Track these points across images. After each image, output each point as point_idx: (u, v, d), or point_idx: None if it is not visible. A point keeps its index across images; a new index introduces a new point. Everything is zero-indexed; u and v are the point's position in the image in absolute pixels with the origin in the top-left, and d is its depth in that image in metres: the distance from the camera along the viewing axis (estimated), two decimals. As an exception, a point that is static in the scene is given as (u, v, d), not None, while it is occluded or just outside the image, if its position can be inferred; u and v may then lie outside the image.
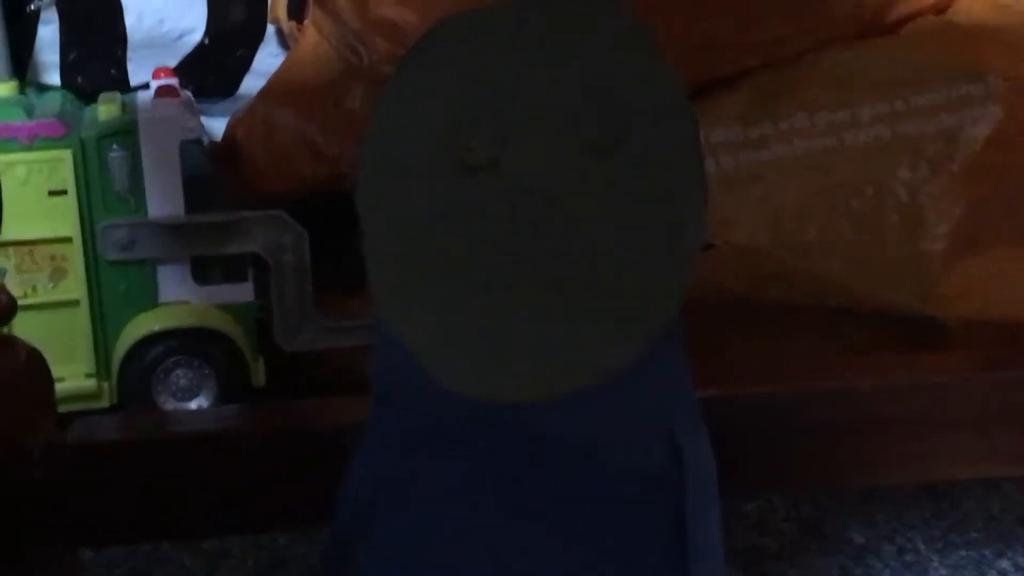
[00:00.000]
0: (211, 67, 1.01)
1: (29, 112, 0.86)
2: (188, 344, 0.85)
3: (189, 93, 0.93)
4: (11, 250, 0.84)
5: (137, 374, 0.86)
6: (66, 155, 0.81)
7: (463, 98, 0.45)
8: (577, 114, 0.44)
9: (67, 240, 0.82)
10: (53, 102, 0.91)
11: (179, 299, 0.85)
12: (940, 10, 0.92)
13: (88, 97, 0.94)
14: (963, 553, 0.66)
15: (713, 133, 0.84)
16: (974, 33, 0.86)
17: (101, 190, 0.85)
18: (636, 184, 0.44)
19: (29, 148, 0.80)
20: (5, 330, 0.56)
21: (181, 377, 0.83)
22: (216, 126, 0.99)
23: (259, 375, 0.87)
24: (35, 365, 0.53)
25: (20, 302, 0.85)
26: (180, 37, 1.01)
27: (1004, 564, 0.64)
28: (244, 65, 0.99)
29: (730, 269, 0.84)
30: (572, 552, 0.47)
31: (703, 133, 0.88)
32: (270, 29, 1.03)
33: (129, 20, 0.97)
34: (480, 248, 0.45)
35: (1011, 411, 0.56)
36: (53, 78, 1.01)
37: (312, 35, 0.97)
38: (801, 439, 0.55)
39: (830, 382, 0.56)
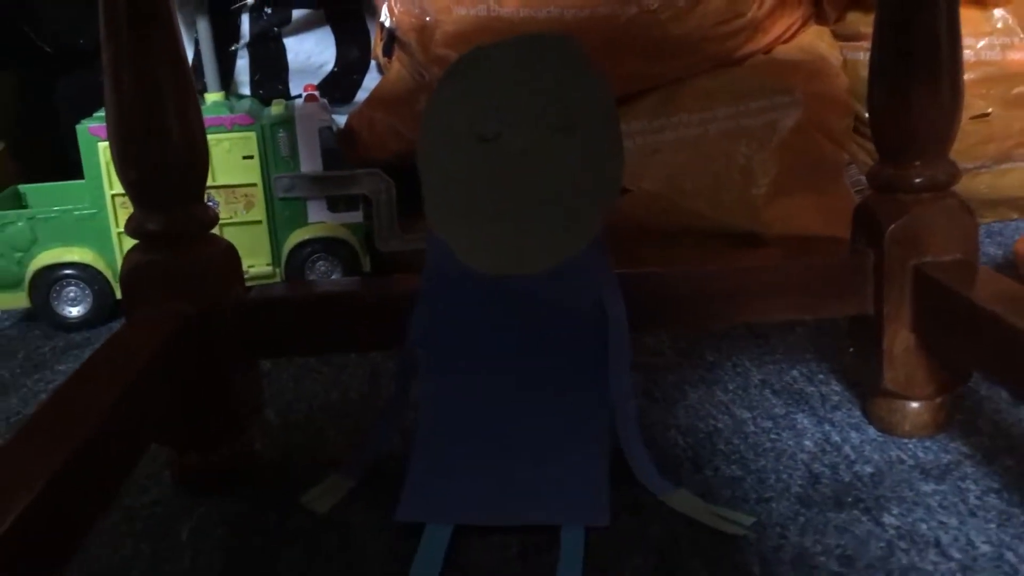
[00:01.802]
0: (338, 85, 1.23)
1: (230, 110, 1.04)
2: (325, 246, 1.05)
3: (325, 100, 1.10)
4: (221, 191, 1.03)
5: (296, 263, 1.05)
6: (253, 135, 1.01)
7: (479, 99, 0.61)
8: (549, 108, 0.61)
9: (254, 185, 1.03)
10: (245, 104, 1.08)
11: (320, 220, 1.05)
12: (768, 51, 1.12)
13: (266, 102, 1.10)
14: (770, 366, 0.79)
15: (631, 124, 1.07)
16: (787, 65, 1.10)
17: (274, 155, 1.03)
18: (583, 151, 0.61)
19: (230, 131, 1.01)
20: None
21: (322, 265, 1.06)
22: (341, 120, 1.17)
23: (366, 265, 1.06)
24: (231, 253, 0.64)
25: (225, 221, 1.01)
26: (320, 67, 1.23)
27: (794, 372, 0.78)
28: (357, 84, 1.23)
29: (639, 205, 1.05)
30: (545, 360, 0.62)
31: (624, 124, 1.23)
32: (372, 63, 1.24)
33: (290, 56, 1.21)
34: (489, 184, 0.61)
35: (799, 279, 0.67)
36: (245, 91, 1.23)
37: (396, 65, 1.14)
38: (677, 299, 0.67)
39: (694, 266, 0.69)
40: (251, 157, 1.04)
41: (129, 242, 0.63)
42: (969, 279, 0.61)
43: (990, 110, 1.10)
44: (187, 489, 0.65)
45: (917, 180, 0.62)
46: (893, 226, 0.63)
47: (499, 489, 0.60)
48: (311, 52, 1.22)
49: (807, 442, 0.68)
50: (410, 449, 0.62)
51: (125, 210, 1.02)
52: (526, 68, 0.61)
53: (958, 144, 1.06)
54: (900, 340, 0.65)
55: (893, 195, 0.64)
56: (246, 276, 0.77)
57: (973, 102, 1.09)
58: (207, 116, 1.03)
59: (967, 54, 1.09)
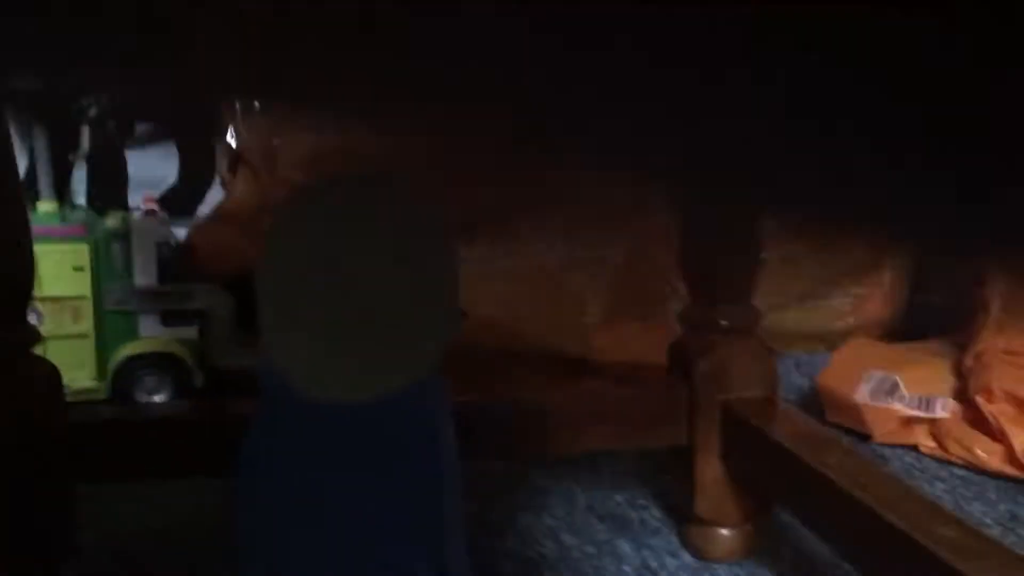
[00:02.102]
0: (180, 198, 1.23)
1: (63, 220, 1.03)
2: (156, 360, 1.04)
3: (164, 214, 1.10)
4: (48, 302, 1.00)
5: (124, 378, 1.03)
6: (86, 246, 1.00)
7: (319, 229, 0.62)
8: (385, 242, 0.61)
9: (84, 297, 1.01)
10: (79, 215, 1.07)
11: (151, 335, 1.04)
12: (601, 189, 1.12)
13: (101, 213, 1.09)
14: (597, 491, 0.82)
15: (468, 253, 1.11)
16: (619, 203, 1.18)
17: (107, 267, 1.01)
18: (419, 282, 0.62)
19: (62, 241, 1.00)
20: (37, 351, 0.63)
21: (151, 381, 1.04)
22: (181, 233, 1.15)
23: (200, 380, 1.05)
24: (52, 376, 0.64)
25: (51, 333, 0.93)
26: (161, 180, 1.24)
27: (618, 497, 0.81)
28: (200, 198, 1.23)
29: (476, 329, 0.97)
30: (377, 487, 0.61)
31: (462, 253, 1.27)
32: (216, 178, 1.24)
33: (131, 168, 1.21)
34: (327, 313, 0.62)
35: (620, 409, 0.70)
36: (81, 201, 1.20)
37: (241, 184, 1.15)
38: (508, 429, 0.69)
39: (528, 394, 0.73)
40: (82, 269, 1.02)
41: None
42: (771, 415, 0.66)
43: (797, 252, 1.20)
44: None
45: (722, 322, 0.68)
46: (702, 363, 0.68)
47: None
48: (154, 165, 1.24)
49: (626, 568, 0.71)
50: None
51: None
52: (366, 203, 0.64)
53: (767, 281, 1.15)
54: (710, 471, 0.69)
55: (702, 334, 0.69)
56: (69, 391, 0.74)
57: (783, 245, 1.18)
58: (38, 226, 0.98)
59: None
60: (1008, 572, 0.43)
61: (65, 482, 0.64)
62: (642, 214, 1.18)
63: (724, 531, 0.70)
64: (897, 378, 0.93)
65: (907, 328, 1.27)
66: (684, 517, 0.74)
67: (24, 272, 0.60)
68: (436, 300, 0.64)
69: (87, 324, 1.03)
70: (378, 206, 0.64)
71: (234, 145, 1.12)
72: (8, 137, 0.59)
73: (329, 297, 0.63)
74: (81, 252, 1.01)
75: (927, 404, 0.92)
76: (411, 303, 0.64)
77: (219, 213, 1.18)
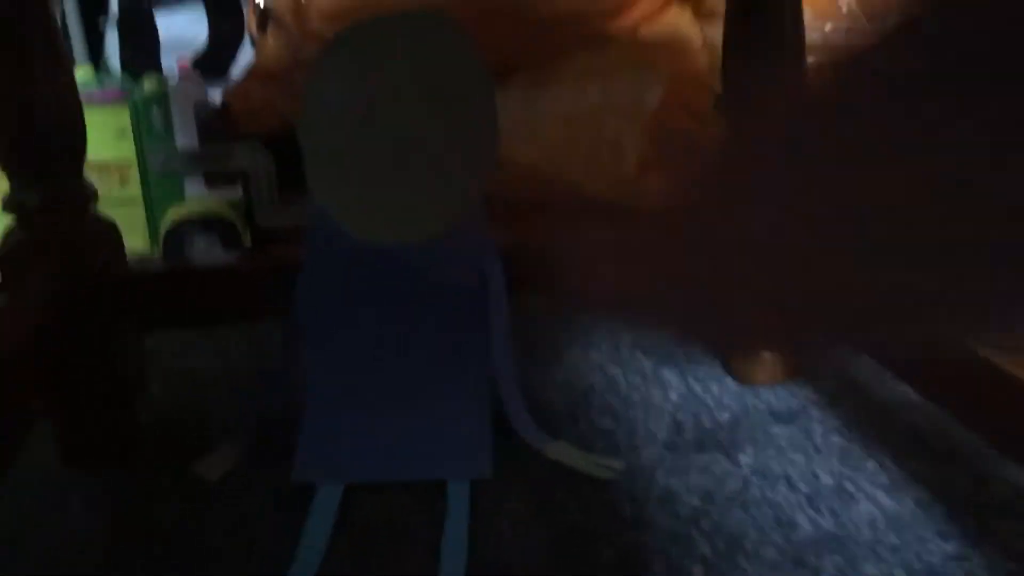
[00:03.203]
0: (211, 60, 1.23)
1: (101, 84, 1.04)
2: (203, 222, 1.04)
3: (199, 75, 1.11)
4: (94, 168, 0.90)
5: (174, 240, 1.04)
6: (126, 110, 1.00)
7: (357, 74, 0.62)
8: (425, 83, 0.62)
9: (130, 161, 1.02)
10: (117, 79, 1.09)
11: (198, 196, 1.05)
12: (633, 31, 1.16)
13: (136, 77, 1.09)
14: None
15: (505, 100, 1.00)
16: (652, 44, 1.15)
17: (148, 131, 1.02)
18: (459, 124, 0.64)
19: (103, 106, 0.99)
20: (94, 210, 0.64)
21: (200, 242, 1.04)
22: (215, 94, 1.17)
23: (247, 240, 1.05)
24: (112, 229, 0.66)
25: (102, 199, 0.83)
26: (192, 41, 1.24)
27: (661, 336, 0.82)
28: (231, 59, 1.25)
29: (516, 177, 1.07)
30: (427, 324, 0.65)
31: (499, 99, 1.28)
32: (246, 37, 1.24)
33: (161, 30, 1.20)
34: (370, 157, 0.63)
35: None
36: (115, 66, 1.21)
37: (271, 41, 1.14)
38: (554, 265, 0.59)
39: (568, 235, 0.56)
40: (124, 133, 1.03)
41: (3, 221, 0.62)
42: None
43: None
44: (74, 464, 0.65)
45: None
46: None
47: (387, 448, 0.63)
48: (183, 26, 1.24)
49: (673, 395, 0.73)
50: (300, 414, 0.63)
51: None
52: (403, 44, 0.64)
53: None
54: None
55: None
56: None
57: (821, 80, 1.16)
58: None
59: (816, 37, 1.16)
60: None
61: (130, 328, 0.67)
62: (677, 55, 1.17)
63: (766, 355, 0.71)
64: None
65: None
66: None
67: (78, 130, 0.62)
68: (477, 139, 0.65)
69: (135, 188, 1.05)
70: (415, 46, 0.64)
71: (262, 3, 1.09)
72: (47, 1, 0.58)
73: (371, 138, 0.64)
74: (122, 116, 1.02)
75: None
76: (452, 145, 0.65)
77: (252, 71, 1.17)
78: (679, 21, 1.20)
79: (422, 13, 0.66)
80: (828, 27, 1.17)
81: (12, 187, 0.61)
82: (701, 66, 1.18)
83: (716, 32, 1.18)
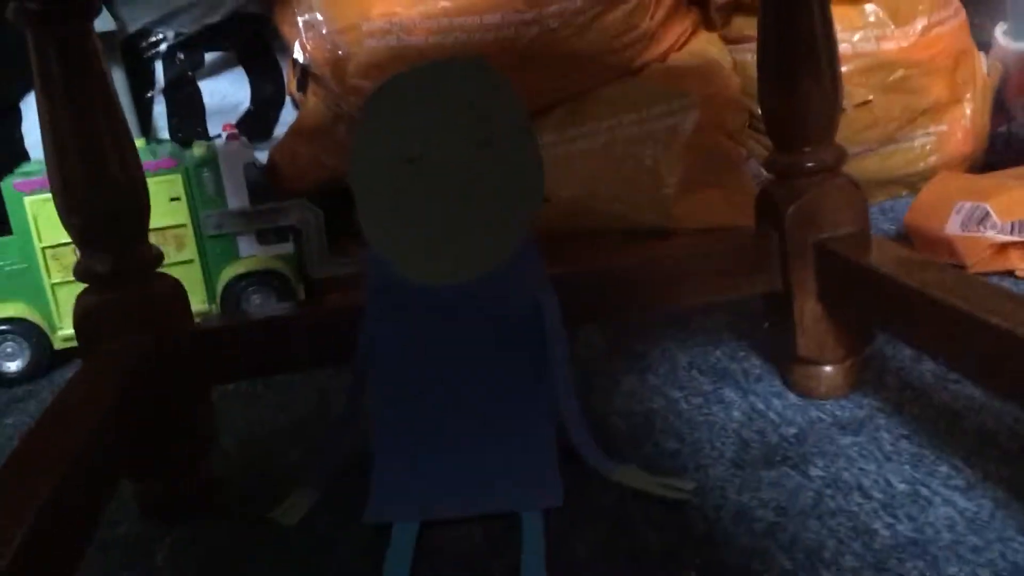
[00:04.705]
0: (255, 122, 1.25)
1: (153, 154, 1.05)
2: (259, 278, 1.07)
3: (245, 138, 1.13)
4: (153, 234, 0.89)
5: (231, 298, 1.06)
6: (178, 176, 1.03)
7: (401, 123, 0.64)
8: (469, 126, 0.64)
9: (183, 225, 1.05)
10: (167, 148, 1.10)
11: (251, 254, 1.07)
12: (663, 59, 1.18)
13: (186, 144, 1.13)
14: (695, 349, 0.83)
15: (544, 137, 1.11)
16: (682, 71, 1.16)
17: (200, 195, 1.05)
18: (504, 163, 0.65)
19: (156, 175, 1.02)
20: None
21: (257, 297, 1.07)
22: (260, 156, 1.19)
23: (301, 293, 1.08)
24: (178, 288, 0.68)
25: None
26: (236, 106, 1.25)
27: (717, 352, 0.83)
28: (274, 120, 1.25)
29: (559, 212, 1.10)
30: (488, 359, 0.65)
31: (539, 136, 1.30)
32: (287, 98, 1.26)
33: (206, 98, 1.23)
34: (420, 201, 0.65)
35: (712, 262, 0.71)
36: (164, 135, 1.23)
37: (312, 99, 1.17)
38: (604, 293, 0.71)
39: (615, 262, 0.74)
40: (178, 199, 1.06)
41: (65, 294, 0.65)
42: (864, 248, 0.67)
43: (871, 97, 1.18)
44: (156, 519, 0.67)
45: (808, 164, 0.68)
46: (791, 207, 0.69)
47: (459, 484, 0.64)
48: (226, 92, 1.24)
49: (735, 412, 0.73)
50: (370, 456, 0.65)
51: (56, 262, 1.03)
52: (443, 90, 0.65)
53: (845, 130, 1.13)
54: (809, 311, 0.70)
55: (789, 180, 0.70)
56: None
57: (855, 91, 1.17)
58: (133, 162, 1.04)
59: (844, 47, 1.17)
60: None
61: (201, 386, 0.69)
62: (709, 79, 1.18)
63: (828, 368, 0.72)
64: (987, 207, 0.92)
65: (991, 160, 1.25)
66: (786, 360, 0.75)
67: (142, 199, 0.65)
68: (522, 176, 0.67)
69: (191, 250, 1.08)
70: (457, 91, 0.66)
71: (301, 61, 1.13)
72: (107, 76, 0.62)
73: (420, 182, 0.66)
74: (175, 183, 1.05)
75: (1020, 228, 0.91)
76: (499, 183, 0.66)
77: (295, 129, 1.20)
78: (708, 47, 1.22)
79: (461, 59, 0.68)
80: (856, 37, 1.18)
81: (82, 257, 0.64)
82: (733, 88, 1.19)
83: (744, 55, 1.21)
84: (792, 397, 0.74)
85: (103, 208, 0.61)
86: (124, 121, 0.62)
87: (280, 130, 1.25)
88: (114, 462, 0.54)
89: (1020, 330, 0.46)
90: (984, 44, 1.27)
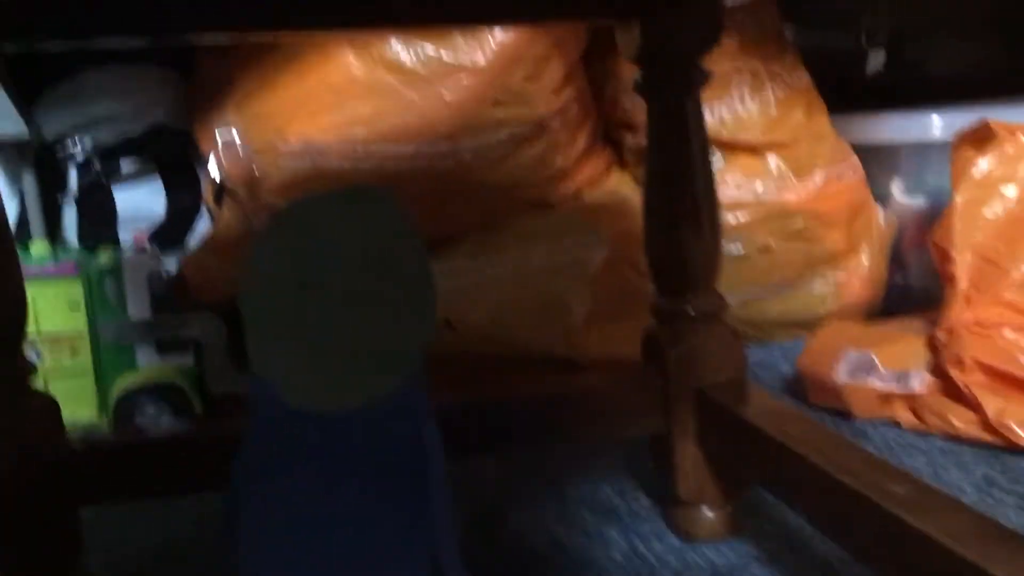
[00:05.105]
0: (169, 231, 1.24)
1: (56, 259, 1.05)
2: (155, 390, 1.05)
3: (155, 247, 1.14)
4: (47, 341, 1.04)
5: (125, 409, 1.04)
6: (79, 283, 1.03)
7: (299, 247, 0.62)
8: (365, 255, 0.63)
9: (81, 333, 1.04)
10: (71, 254, 1.09)
11: (150, 364, 1.06)
12: (576, 195, 1.21)
13: (92, 250, 1.11)
14: (586, 485, 0.83)
15: (455, 263, 1.13)
16: (594, 208, 1.18)
17: (101, 302, 1.04)
18: (397, 290, 0.63)
19: (56, 280, 1.02)
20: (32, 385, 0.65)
21: (151, 410, 1.04)
22: (171, 265, 1.18)
23: (198, 407, 1.06)
24: (49, 405, 0.65)
25: (52, 370, 1.00)
26: (150, 215, 1.24)
27: (608, 489, 0.82)
28: (188, 230, 1.24)
29: (467, 337, 1.11)
30: (369, 491, 0.62)
31: (447, 263, 1.33)
32: (203, 209, 1.26)
33: (120, 204, 1.22)
34: (311, 327, 0.62)
35: (612, 404, 0.72)
36: (72, 240, 1.22)
37: (227, 213, 1.18)
38: (497, 423, 0.71)
39: (507, 396, 0.74)
40: (77, 306, 1.05)
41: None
42: (741, 397, 0.68)
43: (772, 243, 1.22)
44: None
45: (690, 311, 0.70)
46: (674, 352, 0.70)
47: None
48: (141, 201, 1.24)
49: (616, 554, 0.73)
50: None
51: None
52: (343, 218, 0.65)
53: (747, 273, 1.17)
54: (689, 455, 0.71)
55: (672, 325, 0.72)
56: (72, 426, 0.75)
57: (757, 237, 1.21)
58: (31, 266, 1.03)
59: (747, 195, 1.22)
60: (955, 522, 0.45)
61: (68, 507, 0.66)
62: (619, 216, 1.21)
63: (708, 512, 0.72)
64: (873, 356, 0.96)
65: (888, 308, 1.30)
66: (668, 502, 0.75)
67: (16, 309, 0.63)
68: (415, 307, 0.66)
69: (85, 359, 1.06)
70: (353, 218, 0.65)
71: (217, 176, 1.14)
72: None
73: (311, 309, 0.64)
74: (75, 289, 1.04)
75: (904, 379, 0.94)
76: (391, 311, 0.65)
77: (207, 243, 1.20)
78: (620, 185, 1.26)
79: (361, 187, 0.68)
80: (758, 186, 1.23)
81: (-49, 367, 0.62)
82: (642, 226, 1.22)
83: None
84: (673, 539, 0.74)
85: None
86: (8, 231, 0.62)
87: (194, 241, 1.25)
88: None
89: (868, 492, 0.47)
90: (881, 198, 1.34)
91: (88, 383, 1.06)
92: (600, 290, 1.16)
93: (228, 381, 1.08)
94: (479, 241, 1.18)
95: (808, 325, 1.26)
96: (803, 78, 1.25)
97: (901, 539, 0.45)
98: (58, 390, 0.71)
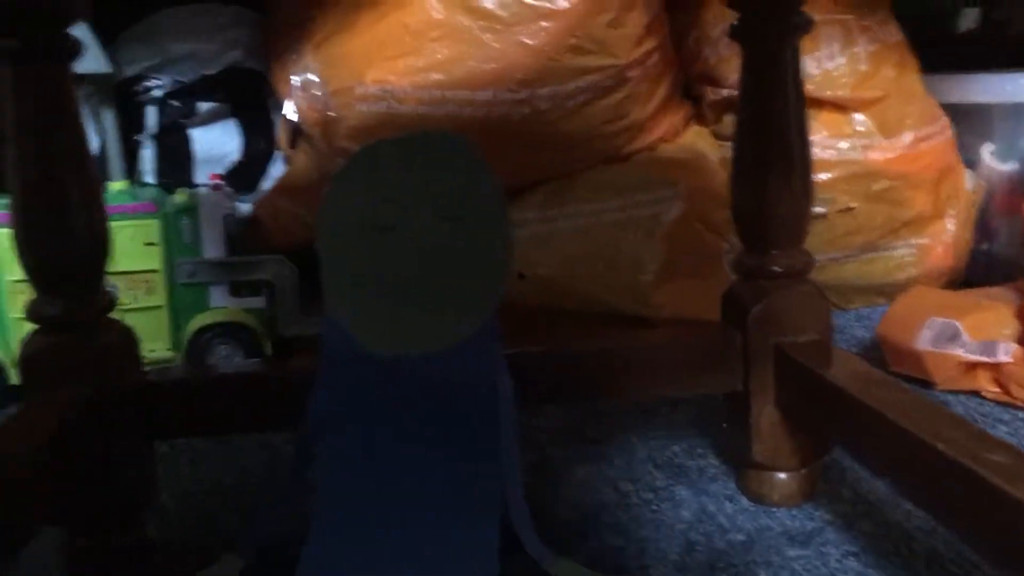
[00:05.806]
0: (243, 174, 1.24)
1: (134, 198, 1.05)
2: (227, 330, 1.07)
3: (230, 189, 1.13)
4: (122, 277, 1.03)
5: (197, 348, 1.06)
6: (155, 222, 1.04)
7: (374, 191, 0.64)
8: (442, 200, 0.64)
9: (155, 271, 1.05)
10: (149, 193, 1.10)
11: (221, 305, 1.07)
12: (652, 149, 1.19)
13: (170, 190, 1.11)
14: (654, 442, 0.83)
15: (526, 214, 1.12)
16: (670, 162, 1.16)
17: (177, 242, 1.05)
18: (473, 239, 0.64)
19: (133, 218, 1.03)
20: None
21: (223, 350, 1.06)
22: (245, 207, 1.20)
23: (268, 349, 1.08)
24: (128, 337, 0.66)
25: (127, 306, 1.00)
26: (225, 156, 1.26)
27: (676, 447, 0.81)
28: (262, 173, 1.25)
29: (536, 289, 1.10)
30: (439, 436, 0.64)
31: (518, 213, 1.31)
32: (277, 153, 1.26)
33: (195, 146, 1.23)
34: (385, 271, 0.64)
35: (674, 357, 0.71)
36: (149, 179, 1.24)
37: (301, 156, 1.18)
38: (565, 378, 0.70)
39: (578, 347, 0.72)
40: (153, 244, 1.06)
41: (25, 328, 0.64)
42: (824, 358, 0.66)
43: (854, 204, 1.18)
44: (81, 574, 0.65)
45: (775, 268, 0.68)
46: (755, 308, 0.68)
47: (395, 561, 0.62)
48: (216, 142, 1.25)
49: (685, 512, 0.72)
50: (307, 527, 0.62)
51: (19, 296, 1.03)
52: (420, 162, 0.65)
53: (827, 235, 1.14)
54: (766, 415, 0.70)
55: (755, 281, 0.70)
56: (146, 360, 0.78)
57: (838, 197, 1.18)
58: (110, 204, 1.03)
59: (831, 154, 1.19)
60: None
61: (142, 437, 0.67)
62: (695, 173, 1.19)
63: (782, 475, 0.71)
64: (958, 324, 0.92)
65: (971, 278, 1.25)
66: (742, 463, 0.74)
67: (102, 246, 0.64)
68: (491, 254, 0.66)
69: (160, 297, 1.07)
70: (431, 164, 0.66)
71: (292, 119, 1.13)
72: (81, 129, 0.62)
73: (387, 253, 0.65)
74: (152, 228, 1.05)
75: (989, 349, 0.91)
76: (467, 257, 0.66)
77: (281, 186, 1.20)
78: (698, 140, 1.23)
79: (439, 132, 0.68)
80: (843, 144, 1.19)
81: (36, 297, 0.63)
82: (719, 183, 1.19)
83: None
84: (744, 501, 0.72)
85: (60, 253, 0.61)
86: (93, 168, 0.62)
87: (268, 184, 1.26)
88: (32, 510, 0.52)
89: (964, 459, 0.45)
90: (970, 162, 1.29)
91: (162, 320, 1.07)
92: (673, 247, 1.14)
93: (298, 324, 1.08)
94: (551, 192, 1.16)
95: (886, 291, 1.23)
96: (895, 33, 1.20)
97: (998, 507, 0.43)
98: (134, 325, 0.69)
